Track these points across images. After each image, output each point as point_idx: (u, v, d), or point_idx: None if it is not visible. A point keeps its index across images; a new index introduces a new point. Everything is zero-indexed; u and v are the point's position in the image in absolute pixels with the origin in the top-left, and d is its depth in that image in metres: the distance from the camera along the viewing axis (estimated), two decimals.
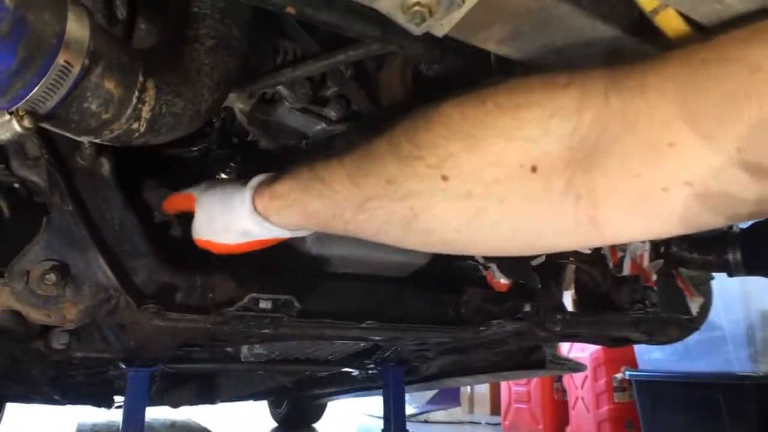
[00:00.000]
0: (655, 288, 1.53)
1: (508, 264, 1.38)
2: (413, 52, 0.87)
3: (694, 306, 1.50)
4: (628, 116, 0.54)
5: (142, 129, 0.64)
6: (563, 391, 4.89)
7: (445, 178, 0.64)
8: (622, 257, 1.53)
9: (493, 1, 0.62)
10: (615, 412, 4.22)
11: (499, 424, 5.60)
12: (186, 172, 1.48)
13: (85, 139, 0.65)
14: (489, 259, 1.37)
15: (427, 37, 0.73)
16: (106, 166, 1.10)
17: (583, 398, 4.47)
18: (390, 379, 1.95)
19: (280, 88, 1.06)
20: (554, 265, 1.79)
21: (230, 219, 0.99)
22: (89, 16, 0.55)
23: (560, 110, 0.58)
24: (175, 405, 3.96)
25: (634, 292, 1.84)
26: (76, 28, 0.53)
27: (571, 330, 1.75)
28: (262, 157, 1.48)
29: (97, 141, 0.64)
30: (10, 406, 4.69)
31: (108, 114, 0.59)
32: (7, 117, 0.51)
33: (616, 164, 0.56)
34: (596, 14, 0.65)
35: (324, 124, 1.11)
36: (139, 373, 1.61)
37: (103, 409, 3.21)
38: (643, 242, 1.49)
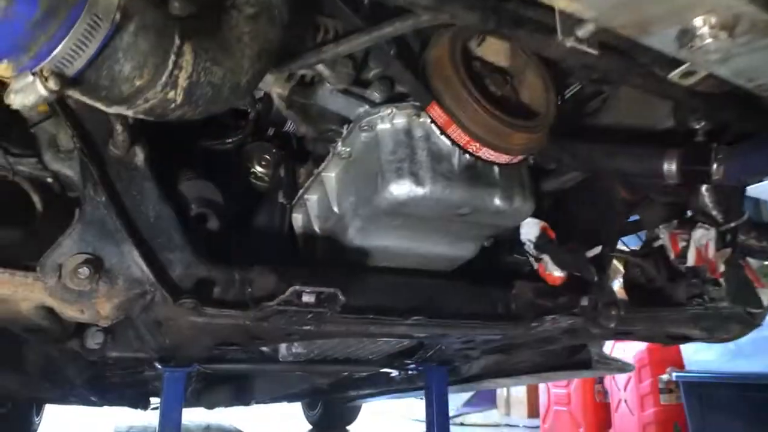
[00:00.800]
0: (721, 280, 1.42)
1: (563, 255, 1.29)
2: (466, 22, 0.79)
3: (766, 297, 1.38)
4: None
5: (179, 99, 0.58)
6: (605, 393, 4.73)
7: None
8: (685, 247, 1.42)
9: None
10: (661, 414, 4.05)
11: (537, 427, 5.45)
12: (221, 165, 1.44)
13: (117, 110, 0.60)
14: (540, 250, 1.28)
15: (483, 4, 0.66)
16: (140, 156, 1.05)
17: (626, 400, 4.30)
18: (433, 380, 1.87)
19: (321, 67, 0.99)
20: (607, 259, 1.69)
21: None
22: None
23: None
24: (210, 406, 3.95)
25: (692, 286, 1.72)
26: None
27: (626, 327, 1.64)
28: (298, 149, 1.43)
29: (131, 113, 0.58)
30: (49, 408, 4.77)
31: (142, 79, 0.53)
32: (31, 78, 0.46)
33: None
34: None
35: (367, 106, 1.04)
36: (175, 373, 1.57)
37: (139, 410, 3.21)
38: (708, 230, 1.38)
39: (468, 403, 5.97)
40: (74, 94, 0.53)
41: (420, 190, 1.00)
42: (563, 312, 1.30)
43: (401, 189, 1.00)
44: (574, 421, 4.84)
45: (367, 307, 1.15)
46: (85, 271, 0.96)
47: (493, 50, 1.09)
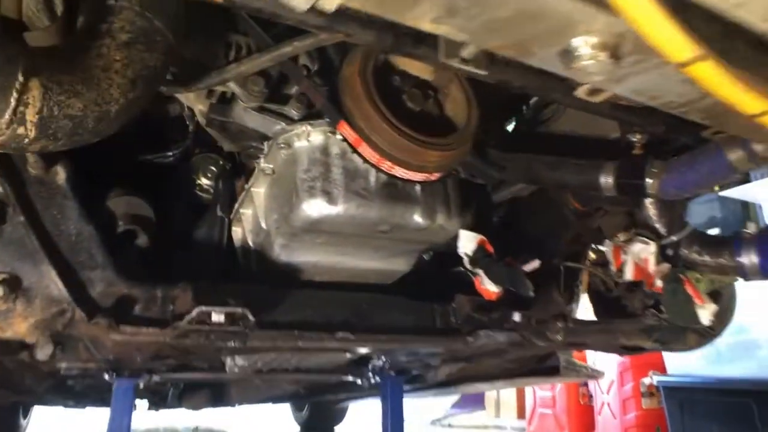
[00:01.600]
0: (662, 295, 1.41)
1: (498, 270, 1.29)
2: (363, 41, 0.79)
3: (705, 314, 1.37)
4: None
5: (31, 134, 0.59)
6: (589, 396, 4.72)
7: None
8: (626, 260, 1.41)
9: None
10: (643, 418, 4.04)
11: (524, 428, 5.45)
12: (164, 179, 1.44)
13: None
14: (475, 264, 1.28)
15: (379, 22, 0.66)
16: (61, 175, 1.05)
17: (609, 404, 4.30)
18: (388, 389, 1.86)
19: (232, 85, 0.99)
20: (558, 270, 1.68)
21: None
22: None
23: None
24: (193, 408, 3.97)
25: (647, 297, 1.72)
26: None
27: (577, 338, 1.64)
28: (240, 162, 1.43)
29: None
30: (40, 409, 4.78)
31: None
32: None
33: None
34: None
35: (283, 124, 1.04)
36: (123, 384, 1.57)
37: None
38: (648, 244, 1.37)
39: (456, 405, 5.97)
40: None
41: (333, 209, 1.00)
42: (496, 326, 1.29)
43: (313, 208, 1.00)
44: (559, 424, 4.83)
45: (295, 322, 1.15)
46: (0, 290, 0.96)
47: (417, 64, 1.09)
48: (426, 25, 0.62)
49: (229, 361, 1.53)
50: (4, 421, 4.45)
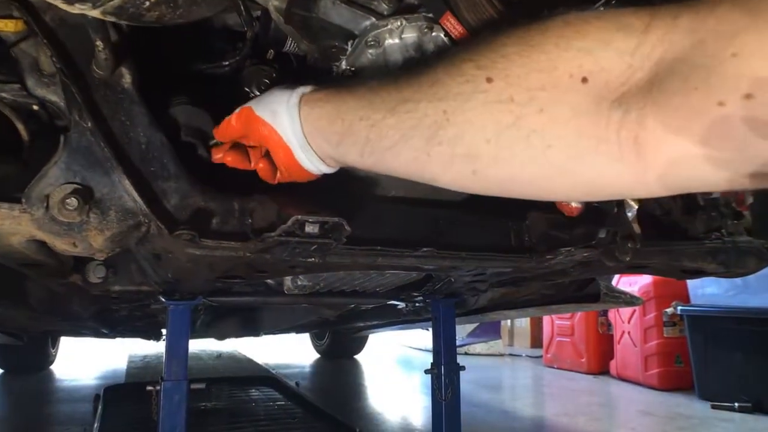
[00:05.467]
0: (746, 213, 1.34)
1: None
2: None
3: None
4: (698, 32, 0.50)
5: None
6: (608, 325, 4.79)
7: (489, 80, 0.62)
8: None
9: None
10: (663, 347, 4.10)
11: (539, 357, 5.58)
12: (217, 90, 1.35)
13: (80, 9, 0.51)
14: None
15: None
16: (127, 78, 0.97)
17: (629, 333, 4.36)
18: (440, 312, 1.85)
19: None
20: None
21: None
22: None
23: (626, 27, 0.55)
24: (220, 337, 4.04)
25: (710, 219, 1.67)
26: None
27: (641, 260, 1.60)
28: (300, 72, 1.33)
29: (97, 13, 0.50)
30: (65, 340, 4.90)
31: None
32: None
33: (677, 80, 0.51)
34: None
35: (373, 19, 0.94)
36: (179, 306, 1.55)
37: (152, 341, 3.28)
38: None
39: (472, 333, 6.09)
40: None
41: None
42: (579, 244, 1.24)
43: None
44: (577, 351, 4.93)
45: (374, 238, 1.10)
46: (73, 201, 0.90)
47: None
48: None
49: (288, 282, 1.49)
50: (37, 351, 4.56)
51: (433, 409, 1.81)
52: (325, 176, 0.97)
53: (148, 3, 0.51)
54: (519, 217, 1.30)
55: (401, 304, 2.13)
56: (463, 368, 1.84)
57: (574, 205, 1.22)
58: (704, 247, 1.65)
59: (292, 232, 0.91)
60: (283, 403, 3.18)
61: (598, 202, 1.24)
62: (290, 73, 1.34)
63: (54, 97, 0.99)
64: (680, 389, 3.99)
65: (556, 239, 1.26)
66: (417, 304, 2.06)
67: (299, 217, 0.90)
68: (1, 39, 0.98)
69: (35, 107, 1.07)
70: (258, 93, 1.39)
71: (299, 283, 1.43)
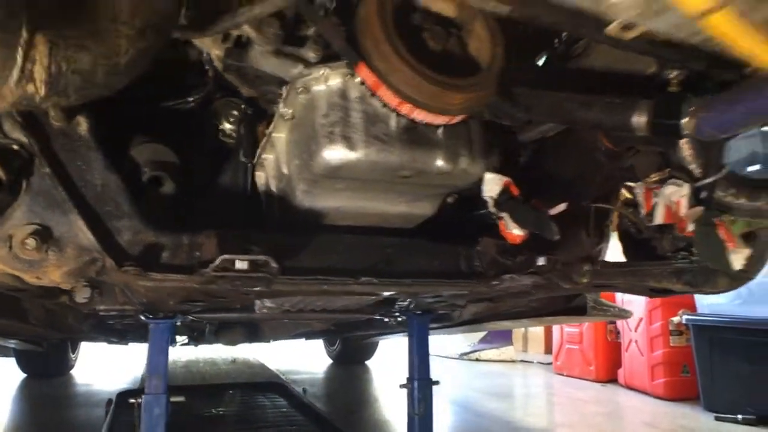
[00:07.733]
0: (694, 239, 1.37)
1: (524, 213, 1.26)
2: None
3: (739, 258, 1.33)
4: None
5: (41, 91, 0.58)
6: (617, 333, 4.76)
7: None
8: (657, 204, 1.37)
9: None
10: (670, 356, 4.07)
11: (551, 363, 5.56)
12: (185, 125, 1.43)
13: None
14: (500, 207, 1.25)
15: None
16: (83, 125, 1.06)
17: (636, 341, 4.32)
18: (414, 327, 1.91)
19: (247, 28, 0.96)
20: (586, 211, 1.65)
21: None
22: None
23: None
24: (229, 344, 4.16)
25: (677, 239, 1.68)
26: None
27: (603, 281, 1.63)
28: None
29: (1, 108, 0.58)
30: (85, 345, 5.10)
31: None
32: None
33: None
34: None
35: (302, 66, 1.01)
36: (159, 325, 1.64)
37: None
38: (681, 186, 1.32)
39: (484, 339, 6.11)
40: None
41: (353, 155, 0.98)
42: (521, 271, 1.29)
43: (333, 154, 0.98)
44: (585, 359, 4.91)
45: (319, 267, 1.16)
46: (32, 242, 0.99)
47: (439, 0, 1.03)
48: None
49: (258, 302, 1.57)
50: (57, 356, 4.76)
51: (407, 423, 1.86)
52: (278, 209, 1.03)
53: (38, 97, 0.59)
54: (471, 243, 1.36)
55: (385, 318, 2.20)
56: (436, 383, 1.89)
57: (516, 232, 1.26)
58: (669, 267, 1.68)
59: (226, 267, 0.99)
60: (286, 409, 3.26)
61: (539, 231, 1.27)
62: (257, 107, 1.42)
63: (26, 140, 1.09)
64: (687, 399, 3.95)
65: (502, 266, 1.31)
66: (398, 318, 2.12)
67: (227, 255, 0.98)
68: None
69: (15, 147, 1.18)
70: (227, 125, 1.48)
71: (266, 304, 1.51)
